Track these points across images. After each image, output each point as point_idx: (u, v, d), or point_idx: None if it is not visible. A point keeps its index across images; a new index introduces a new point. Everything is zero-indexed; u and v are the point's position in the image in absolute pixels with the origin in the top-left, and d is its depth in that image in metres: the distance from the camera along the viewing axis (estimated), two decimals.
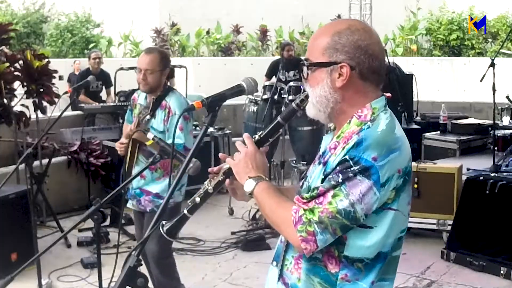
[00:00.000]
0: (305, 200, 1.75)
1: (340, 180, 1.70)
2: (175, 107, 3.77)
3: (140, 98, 3.99)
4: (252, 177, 1.86)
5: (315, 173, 1.85)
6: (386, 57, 8.05)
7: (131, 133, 3.72)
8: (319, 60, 1.82)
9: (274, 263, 1.93)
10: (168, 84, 3.99)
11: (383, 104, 1.83)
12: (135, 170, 3.83)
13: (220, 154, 2.02)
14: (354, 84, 1.80)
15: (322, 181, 1.76)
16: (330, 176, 1.73)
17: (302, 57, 1.95)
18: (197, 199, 1.95)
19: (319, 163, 1.85)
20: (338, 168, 1.72)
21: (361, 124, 1.78)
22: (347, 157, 1.71)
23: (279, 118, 1.95)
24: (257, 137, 1.95)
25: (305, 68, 1.86)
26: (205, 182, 1.97)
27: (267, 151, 1.97)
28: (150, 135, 3.54)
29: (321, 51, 1.81)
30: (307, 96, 1.88)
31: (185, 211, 1.94)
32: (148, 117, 3.77)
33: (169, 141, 3.61)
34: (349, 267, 1.78)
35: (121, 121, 6.71)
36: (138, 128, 3.71)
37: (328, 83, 1.81)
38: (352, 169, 1.70)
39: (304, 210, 1.73)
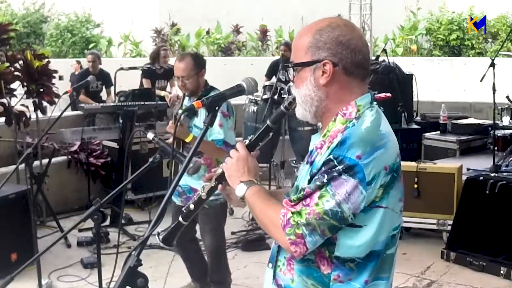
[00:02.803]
0: (292, 203, 1.75)
1: (325, 181, 1.70)
2: None
3: (186, 100, 4.17)
4: (243, 181, 1.87)
5: (302, 172, 1.86)
6: (386, 57, 7.98)
7: (171, 130, 3.85)
8: (302, 60, 1.82)
9: (270, 264, 1.93)
10: (206, 82, 4.10)
11: (369, 101, 1.83)
12: (180, 167, 3.91)
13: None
14: (339, 80, 1.80)
15: (309, 181, 1.76)
16: (316, 177, 1.73)
17: None
18: (191, 206, 1.96)
19: (307, 163, 1.85)
20: (323, 168, 1.72)
21: (346, 122, 1.78)
22: (331, 156, 1.71)
23: (268, 122, 1.96)
24: (247, 141, 1.96)
25: (291, 70, 1.87)
26: (199, 188, 1.98)
27: (257, 155, 1.97)
28: (150, 135, 3.56)
29: (304, 51, 1.82)
30: (294, 99, 1.89)
31: (180, 218, 1.95)
32: (180, 111, 3.90)
33: (210, 138, 3.80)
34: (340, 267, 1.77)
35: (121, 121, 6.71)
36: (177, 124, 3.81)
37: (312, 82, 1.81)
38: (336, 168, 1.69)
39: (292, 213, 1.73)
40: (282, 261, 1.86)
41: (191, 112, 3.90)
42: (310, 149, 1.89)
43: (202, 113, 3.89)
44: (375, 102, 1.87)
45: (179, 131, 3.70)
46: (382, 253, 1.79)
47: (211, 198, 3.87)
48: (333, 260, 1.77)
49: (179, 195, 4.12)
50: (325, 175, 1.70)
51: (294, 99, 1.89)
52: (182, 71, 3.93)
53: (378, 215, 1.75)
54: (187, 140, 3.75)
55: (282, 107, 1.95)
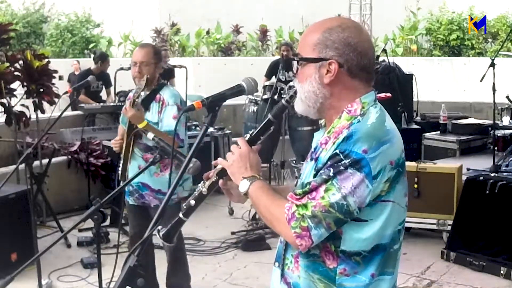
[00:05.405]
0: (298, 196, 1.76)
1: (331, 174, 1.71)
2: (168, 98, 3.99)
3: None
4: (246, 177, 1.87)
5: (307, 169, 1.86)
6: (386, 57, 7.95)
7: (126, 112, 3.82)
8: (309, 55, 1.84)
9: (276, 264, 1.93)
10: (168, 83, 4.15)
11: (373, 99, 1.84)
12: (131, 165, 3.96)
13: (213, 162, 2.03)
14: (343, 80, 1.81)
15: (314, 176, 1.77)
16: (321, 171, 1.74)
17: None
18: (192, 202, 1.95)
19: (311, 159, 1.86)
20: (329, 162, 1.73)
21: (351, 118, 1.79)
22: (337, 151, 1.72)
23: (269, 116, 1.96)
24: (248, 135, 1.96)
25: (295, 63, 1.87)
26: (199, 184, 1.98)
27: (259, 149, 1.97)
28: (150, 135, 3.58)
29: (311, 47, 1.83)
30: (296, 93, 1.90)
31: (181, 215, 1.94)
32: (142, 93, 3.95)
33: (163, 129, 3.85)
34: (346, 261, 1.78)
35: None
36: (135, 109, 3.81)
37: (316, 79, 1.83)
38: (343, 162, 1.70)
39: (297, 206, 1.74)
40: (290, 259, 1.87)
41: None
42: (313, 145, 1.90)
43: (154, 108, 3.98)
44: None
45: (134, 116, 3.77)
46: (388, 247, 1.81)
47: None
48: (339, 254, 1.78)
49: (130, 194, 4.07)
50: (331, 169, 1.71)
51: (295, 93, 1.90)
52: (142, 56, 3.97)
53: (385, 209, 1.77)
54: (140, 126, 3.78)
55: (283, 101, 1.96)
